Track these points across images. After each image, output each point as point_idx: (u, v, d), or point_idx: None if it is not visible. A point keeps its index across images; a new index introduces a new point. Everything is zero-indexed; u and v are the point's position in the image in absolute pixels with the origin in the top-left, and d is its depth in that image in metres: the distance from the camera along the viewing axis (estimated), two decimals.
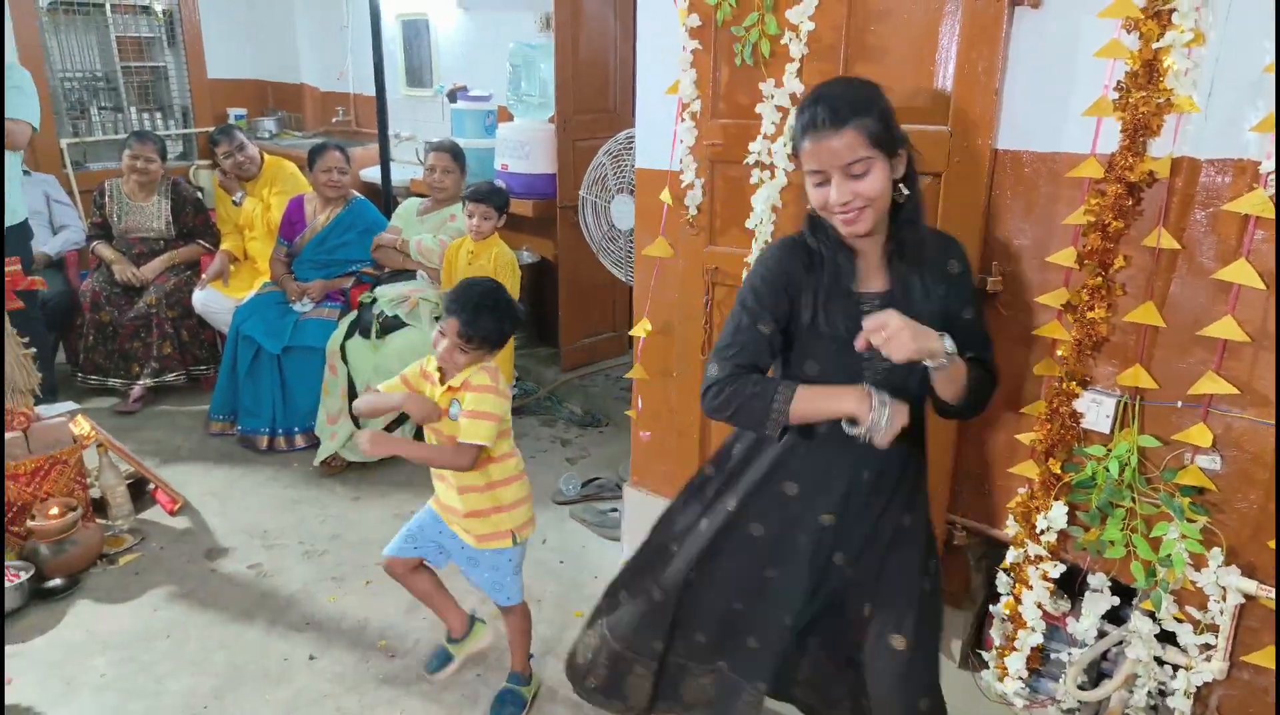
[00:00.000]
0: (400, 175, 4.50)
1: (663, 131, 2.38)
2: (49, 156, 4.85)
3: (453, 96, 4.45)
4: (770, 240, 2.13)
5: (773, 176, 2.09)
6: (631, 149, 3.12)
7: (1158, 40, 1.59)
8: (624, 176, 3.16)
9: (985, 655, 2.14)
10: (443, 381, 1.97)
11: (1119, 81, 1.67)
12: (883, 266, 1.51)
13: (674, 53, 2.25)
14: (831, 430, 1.52)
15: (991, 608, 2.09)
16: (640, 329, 2.52)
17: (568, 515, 3.09)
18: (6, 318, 2.73)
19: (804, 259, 1.51)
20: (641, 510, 2.76)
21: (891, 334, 1.34)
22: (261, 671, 2.30)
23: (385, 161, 4.21)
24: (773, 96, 2.04)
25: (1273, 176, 1.53)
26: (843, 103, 1.37)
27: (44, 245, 4.01)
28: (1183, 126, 1.63)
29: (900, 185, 1.44)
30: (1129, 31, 1.63)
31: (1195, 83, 1.59)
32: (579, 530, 2.99)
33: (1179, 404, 1.74)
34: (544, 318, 4.45)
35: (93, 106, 5.34)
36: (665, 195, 2.35)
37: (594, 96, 4.01)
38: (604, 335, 4.31)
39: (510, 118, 4.20)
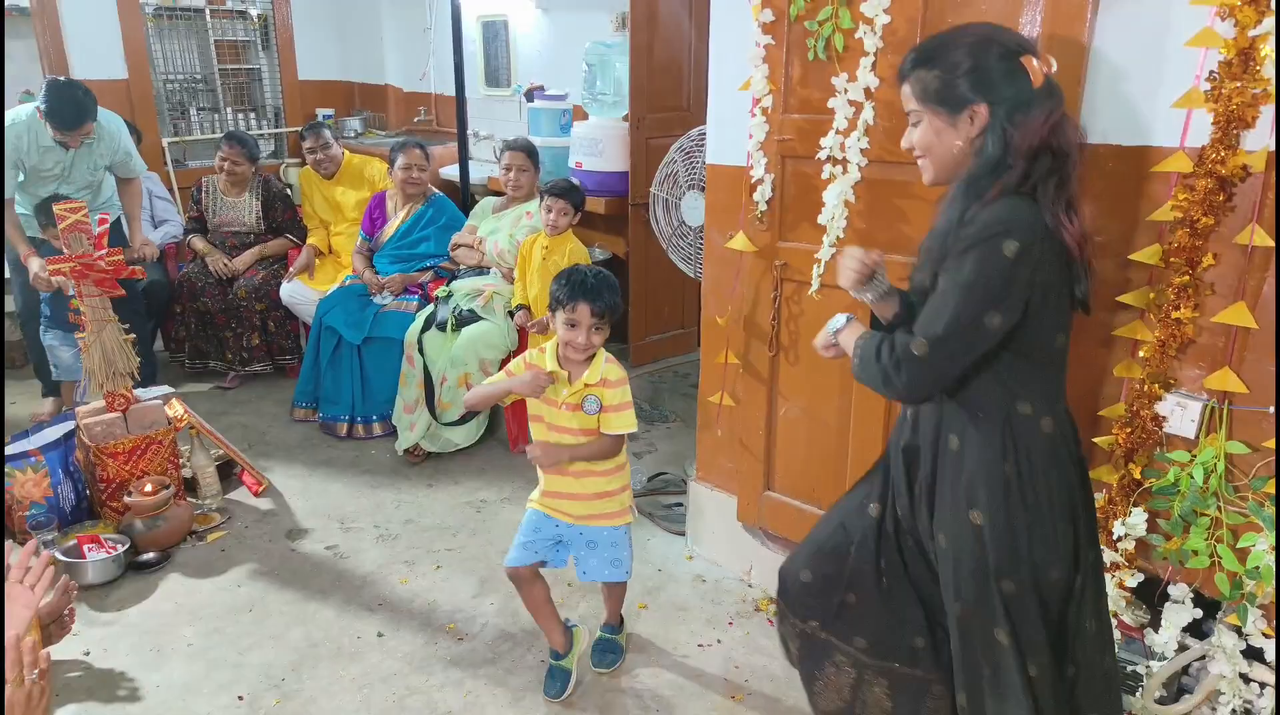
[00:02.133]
0: (478, 173, 4.59)
1: (734, 128, 2.38)
2: (151, 155, 5.10)
3: (530, 96, 4.52)
4: (842, 237, 2.12)
5: (845, 171, 2.07)
6: (703, 146, 3.12)
7: (1255, 27, 1.52)
8: (695, 173, 3.17)
9: None
10: (570, 379, 2.06)
11: (1211, 72, 1.60)
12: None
13: (747, 49, 2.25)
14: None
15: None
16: (715, 322, 2.53)
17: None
18: (109, 304, 2.90)
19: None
20: (707, 506, 2.77)
21: (839, 264, 1.61)
22: (336, 648, 2.39)
23: (464, 159, 4.31)
24: (846, 91, 2.02)
25: None
26: (916, 52, 1.46)
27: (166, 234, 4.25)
28: None
29: (985, 142, 1.40)
30: (1223, 19, 1.57)
31: None
32: (644, 523, 3.01)
33: (1270, 410, 1.67)
34: None
35: (192, 107, 5.60)
36: (737, 191, 2.35)
37: (667, 95, 4.03)
38: (672, 332, 4.33)
39: (585, 116, 4.25)
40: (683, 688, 2.25)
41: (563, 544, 2.21)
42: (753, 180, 2.27)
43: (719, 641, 2.43)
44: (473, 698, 2.21)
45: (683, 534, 2.91)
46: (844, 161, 2.07)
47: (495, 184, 4.36)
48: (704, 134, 3.08)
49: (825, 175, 2.10)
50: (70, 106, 3.22)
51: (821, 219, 2.13)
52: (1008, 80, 1.38)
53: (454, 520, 3.04)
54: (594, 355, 2.09)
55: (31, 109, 3.31)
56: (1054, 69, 1.42)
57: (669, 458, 3.47)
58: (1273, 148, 1.58)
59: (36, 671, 1.30)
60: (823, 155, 2.10)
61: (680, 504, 3.04)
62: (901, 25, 1.94)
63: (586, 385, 2.05)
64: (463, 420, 3.44)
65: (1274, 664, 1.69)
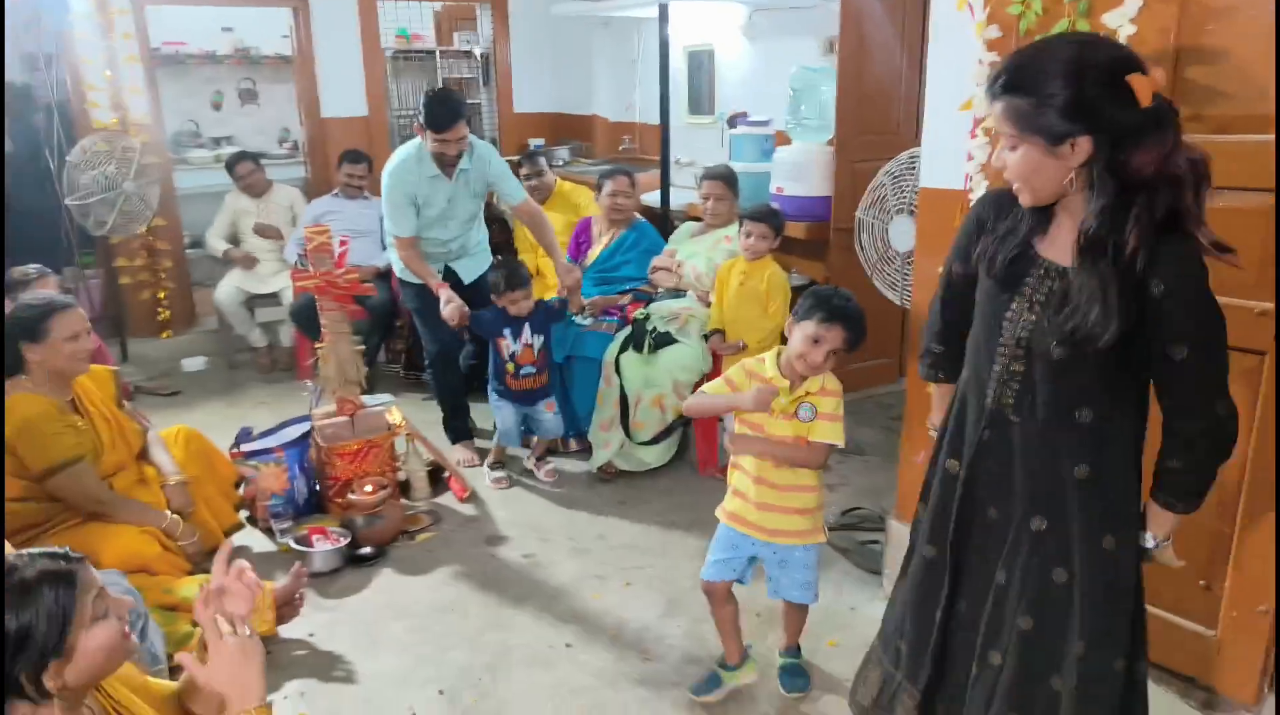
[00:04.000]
0: (679, 199, 4.67)
1: (950, 150, 2.27)
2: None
3: (732, 122, 4.55)
4: None
5: None
6: (913, 169, 3.01)
7: None
8: (904, 197, 3.05)
9: None
10: (791, 387, 2.08)
11: None
12: (1074, 245, 1.38)
13: (968, 67, 2.14)
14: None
15: None
16: None
17: (825, 543, 3.01)
18: (345, 319, 3.18)
19: (1004, 205, 1.52)
20: (905, 544, 2.63)
21: None
22: (529, 654, 2.47)
23: (665, 186, 4.40)
24: None
25: None
26: (1005, 73, 1.35)
27: (374, 259, 4.62)
28: None
29: (1096, 173, 1.30)
30: None
31: None
32: (837, 560, 2.91)
33: None
34: None
35: None
36: (955, 215, 2.23)
37: (875, 118, 3.93)
38: (874, 361, 4.18)
39: (788, 142, 4.22)
40: None
41: (756, 561, 2.23)
42: (972, 204, 2.15)
43: None
44: None
45: (878, 573, 2.78)
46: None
47: (695, 210, 4.42)
48: (915, 157, 2.97)
49: None
50: (445, 106, 3.28)
51: None
52: (1112, 105, 1.27)
53: (644, 540, 3.07)
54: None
55: (415, 143, 3.38)
56: (1162, 82, 1.28)
57: (864, 492, 3.34)
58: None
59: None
60: None
61: (876, 541, 2.91)
62: (1151, 36, 1.78)
63: (807, 393, 2.07)
64: (655, 440, 3.48)
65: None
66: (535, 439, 3.59)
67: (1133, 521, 1.48)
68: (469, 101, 6.25)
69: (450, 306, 3.33)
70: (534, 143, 6.35)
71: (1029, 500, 1.52)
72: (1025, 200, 1.42)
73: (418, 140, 3.37)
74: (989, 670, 1.59)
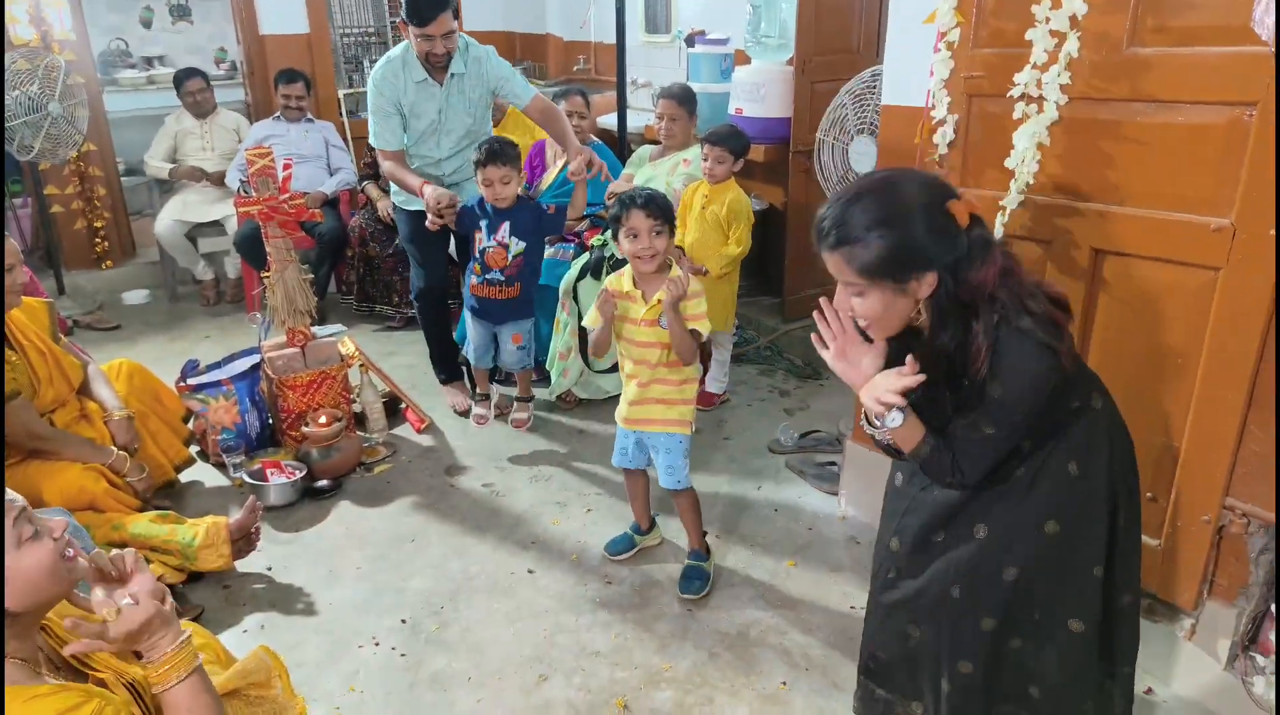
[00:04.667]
0: (636, 122, 4.56)
1: (914, 65, 2.22)
2: (328, 105, 5.37)
3: (690, 41, 4.42)
4: (1032, 182, 1.94)
5: (1040, 110, 1.88)
6: (875, 88, 2.95)
7: None
8: (865, 117, 3.00)
9: (1261, 660, 1.87)
10: (646, 298, 2.26)
11: None
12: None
13: None
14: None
15: (1274, 607, 1.82)
16: None
17: (784, 465, 3.04)
18: (291, 247, 3.07)
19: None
20: (863, 466, 2.66)
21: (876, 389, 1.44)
22: (491, 581, 2.47)
23: (622, 108, 4.28)
24: (1048, 20, 1.82)
25: None
26: (835, 228, 1.37)
27: (321, 185, 4.46)
28: None
29: (943, 300, 1.37)
30: None
31: None
32: (795, 481, 2.94)
33: None
34: (768, 266, 4.38)
35: (365, 59, 5.84)
36: (916, 133, 2.19)
37: (836, 36, 3.83)
38: (830, 285, 4.16)
39: (747, 61, 4.11)
40: (836, 647, 2.19)
41: (640, 448, 2.43)
42: (933, 121, 2.11)
43: None
44: (621, 640, 2.24)
45: (835, 493, 2.82)
46: (1040, 99, 1.88)
47: (652, 133, 4.31)
48: (877, 75, 2.91)
49: (1017, 115, 1.92)
50: None
51: (1010, 163, 1.95)
52: (944, 236, 1.34)
53: (604, 466, 3.07)
54: (668, 272, 2.23)
55: (402, 45, 3.08)
56: (977, 205, 1.39)
57: (822, 416, 3.37)
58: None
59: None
60: (1016, 93, 1.91)
61: (834, 463, 2.94)
62: None
63: (659, 301, 2.21)
64: (614, 368, 3.46)
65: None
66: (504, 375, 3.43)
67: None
68: None
69: (434, 192, 2.93)
70: None
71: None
72: (878, 337, 1.45)
73: (405, 42, 3.05)
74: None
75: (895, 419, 1.44)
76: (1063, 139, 1.89)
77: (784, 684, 2.09)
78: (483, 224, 2.94)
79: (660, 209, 2.19)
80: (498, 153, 2.83)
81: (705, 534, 2.49)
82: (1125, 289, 1.92)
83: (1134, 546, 1.56)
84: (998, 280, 1.35)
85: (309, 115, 4.60)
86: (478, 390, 3.32)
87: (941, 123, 2.10)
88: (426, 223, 3.02)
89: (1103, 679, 1.60)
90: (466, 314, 3.13)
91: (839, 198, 1.40)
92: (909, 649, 1.66)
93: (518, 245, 2.96)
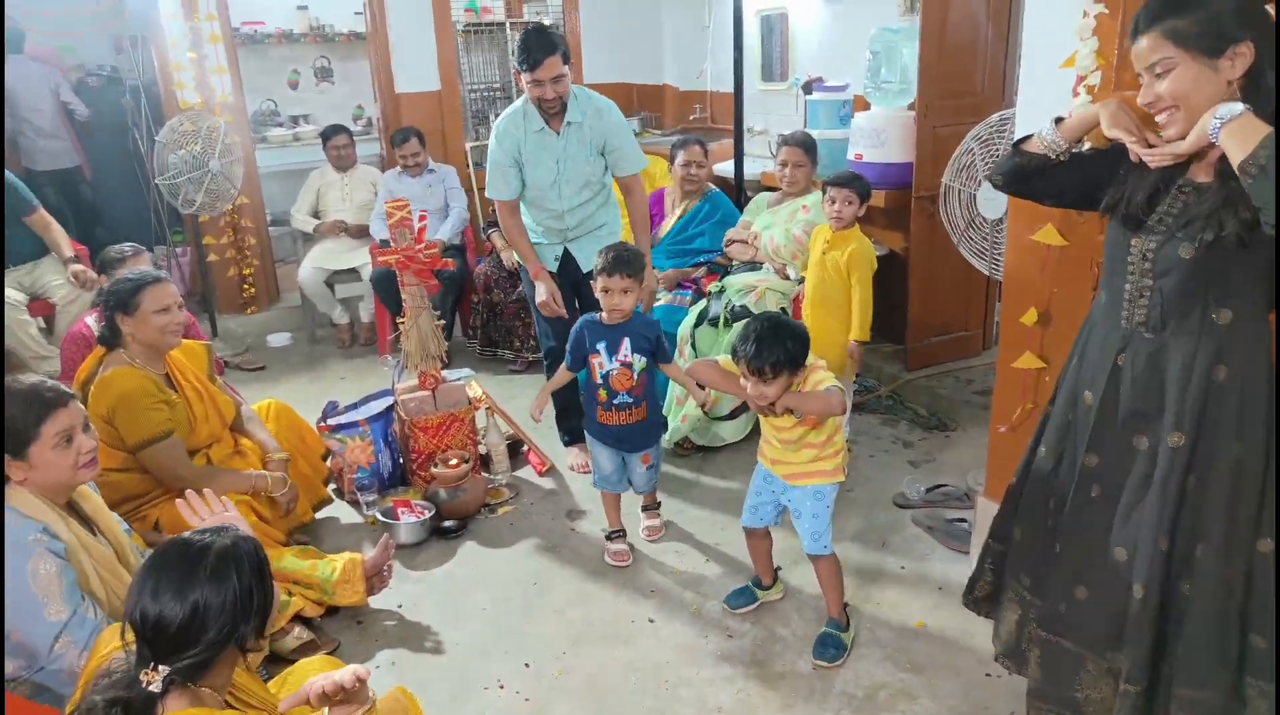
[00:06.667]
0: (752, 169, 4.58)
1: (1048, 110, 2.14)
2: (455, 159, 5.63)
3: (808, 88, 4.43)
4: None
5: None
6: (1004, 133, 2.88)
7: None
8: (993, 162, 2.92)
9: None
10: None
11: None
12: (1214, 165, 1.48)
13: (1069, 21, 2.03)
14: None
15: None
16: (1029, 318, 2.32)
17: (909, 520, 2.95)
18: (425, 294, 3.20)
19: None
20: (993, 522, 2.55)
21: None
22: (611, 629, 2.48)
23: (739, 155, 4.31)
24: None
25: None
26: (1156, 4, 1.41)
27: (439, 233, 4.63)
28: None
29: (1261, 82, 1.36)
30: None
31: None
32: (922, 537, 2.84)
33: None
34: (890, 313, 4.29)
35: (491, 113, 6.09)
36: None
37: (959, 79, 3.76)
38: (955, 333, 4.05)
39: (866, 107, 4.09)
40: None
41: (779, 507, 2.40)
42: None
43: (1010, 674, 2.23)
44: (744, 696, 2.20)
45: (966, 552, 2.70)
46: None
47: (769, 179, 4.32)
48: (1006, 119, 2.85)
49: None
50: (536, 38, 2.88)
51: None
52: (1264, 11, 1.37)
53: (721, 515, 3.05)
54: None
55: (522, 99, 3.10)
56: None
57: (949, 469, 3.25)
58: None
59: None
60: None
61: (963, 520, 2.83)
62: None
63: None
64: (732, 415, 3.44)
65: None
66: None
67: (1262, 426, 1.52)
68: None
69: (544, 293, 3.03)
70: None
71: (1172, 415, 1.56)
72: (1175, 129, 1.46)
73: (525, 95, 3.04)
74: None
75: (1234, 109, 1.37)
76: None
77: None
78: (600, 346, 2.67)
79: (785, 357, 2.09)
80: (624, 262, 2.60)
81: (846, 605, 2.41)
82: None
83: None
84: None
85: (430, 166, 4.81)
86: (610, 527, 2.88)
87: None
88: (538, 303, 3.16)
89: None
90: (590, 438, 2.86)
91: None
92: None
93: (640, 362, 2.69)
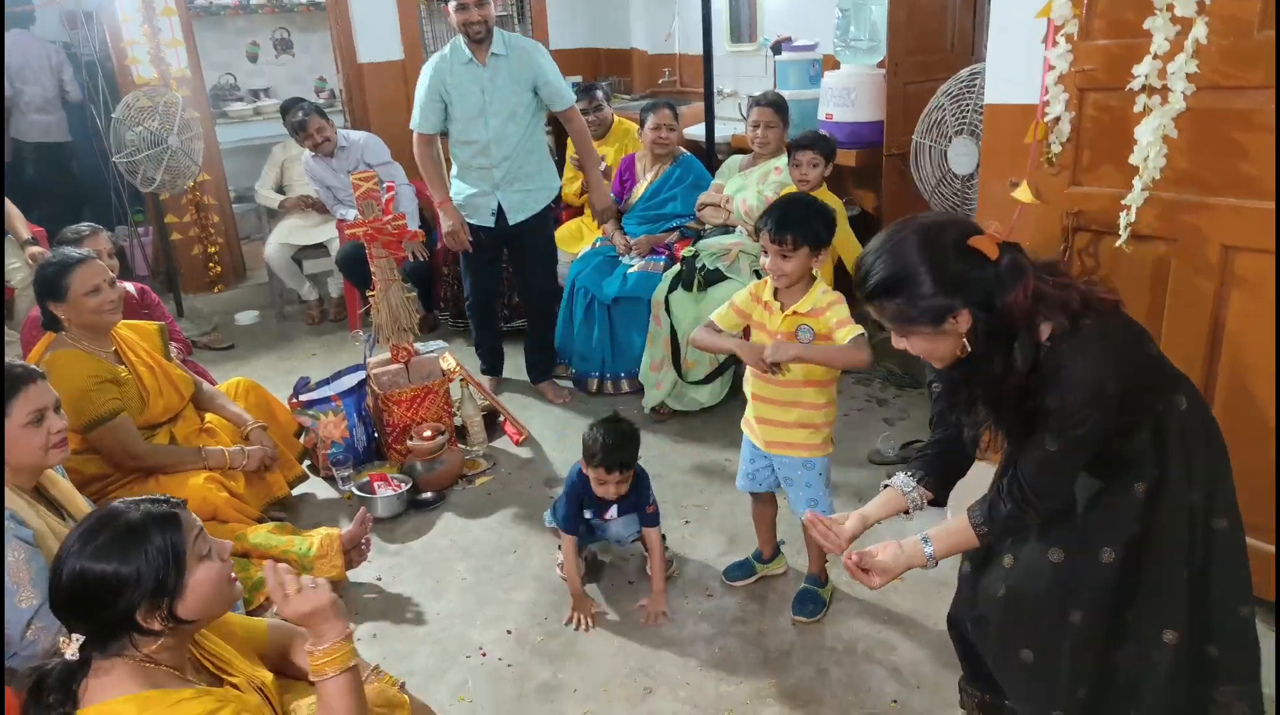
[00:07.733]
0: (723, 131, 4.54)
1: (1020, 61, 2.15)
2: None
3: (777, 48, 4.39)
4: (1158, 177, 1.85)
5: (1164, 101, 1.79)
6: (974, 88, 2.87)
7: None
8: (964, 118, 2.92)
9: None
10: (783, 308, 2.10)
11: None
12: None
13: None
14: None
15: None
16: None
17: (884, 476, 2.96)
18: (394, 267, 3.16)
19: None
20: (968, 476, 2.57)
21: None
22: (592, 592, 2.48)
23: (710, 118, 4.27)
24: (1170, 7, 1.74)
25: None
26: (868, 285, 1.40)
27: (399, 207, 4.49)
28: None
29: (981, 332, 1.37)
30: None
31: None
32: None
33: None
34: None
35: None
36: (1029, 132, 2.12)
37: (929, 36, 3.75)
38: None
39: (836, 66, 4.05)
40: (948, 665, 2.11)
41: (774, 475, 2.32)
42: (1048, 118, 2.04)
43: None
44: (724, 654, 2.21)
45: (943, 506, 2.72)
46: (1164, 90, 1.79)
47: (740, 141, 4.29)
48: (976, 74, 2.84)
49: (1139, 108, 1.83)
50: None
51: (1134, 159, 1.86)
52: (972, 276, 1.35)
53: (700, 478, 3.06)
54: (812, 284, 2.09)
55: (451, 42, 3.33)
56: (1000, 231, 1.38)
57: (923, 425, 3.27)
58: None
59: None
60: (1136, 85, 1.83)
61: None
62: None
63: (795, 312, 2.08)
64: (708, 379, 3.44)
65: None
66: None
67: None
68: None
69: (448, 224, 3.22)
70: (571, 80, 6.20)
71: None
72: (937, 365, 1.49)
73: (458, 36, 3.27)
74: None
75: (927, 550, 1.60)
76: (1191, 131, 1.80)
77: (895, 702, 2.04)
78: (589, 512, 2.44)
79: (810, 232, 2.03)
80: (625, 463, 2.31)
81: (827, 560, 2.40)
82: (1257, 287, 1.80)
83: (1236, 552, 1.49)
84: (1029, 302, 1.36)
85: (341, 141, 4.41)
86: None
87: (1057, 120, 2.02)
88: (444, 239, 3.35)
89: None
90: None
91: (867, 252, 1.44)
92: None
93: (630, 527, 2.48)
